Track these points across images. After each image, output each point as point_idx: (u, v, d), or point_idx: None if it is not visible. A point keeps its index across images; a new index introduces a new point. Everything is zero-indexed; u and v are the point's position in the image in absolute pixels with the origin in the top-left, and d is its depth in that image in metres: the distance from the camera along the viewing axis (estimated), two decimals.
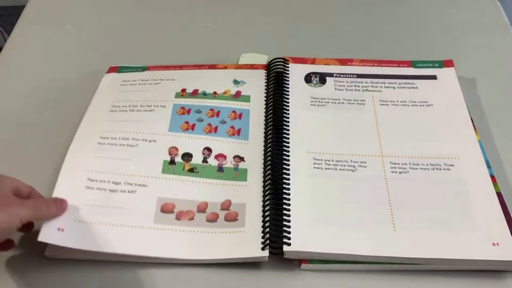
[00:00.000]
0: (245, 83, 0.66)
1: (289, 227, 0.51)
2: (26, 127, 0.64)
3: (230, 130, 0.61)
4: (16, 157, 0.61)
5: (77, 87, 0.69)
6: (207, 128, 0.61)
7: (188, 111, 0.62)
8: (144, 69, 0.69)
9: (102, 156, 0.57)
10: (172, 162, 0.57)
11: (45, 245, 0.51)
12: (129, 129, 0.59)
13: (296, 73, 0.67)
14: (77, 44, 0.76)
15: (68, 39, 0.77)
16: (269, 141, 0.59)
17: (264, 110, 0.63)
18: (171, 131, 0.60)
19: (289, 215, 0.52)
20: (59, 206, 0.50)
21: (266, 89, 0.66)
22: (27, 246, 0.52)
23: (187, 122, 0.61)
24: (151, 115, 0.61)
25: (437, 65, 0.68)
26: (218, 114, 0.62)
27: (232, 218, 0.53)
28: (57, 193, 0.52)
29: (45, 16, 0.81)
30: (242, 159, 0.58)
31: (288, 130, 0.60)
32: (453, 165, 0.57)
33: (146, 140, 0.58)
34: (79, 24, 0.79)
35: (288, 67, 0.68)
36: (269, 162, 0.57)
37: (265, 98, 0.65)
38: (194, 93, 0.64)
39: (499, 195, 0.54)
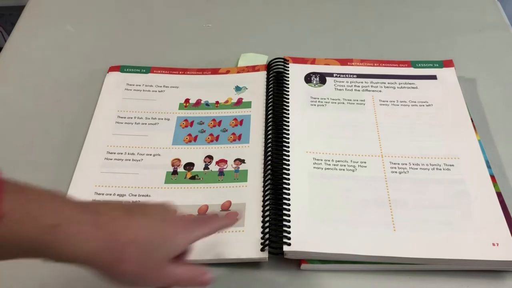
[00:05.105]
0: (246, 88, 0.66)
1: (289, 227, 0.51)
2: (26, 128, 0.64)
3: (231, 137, 0.61)
4: (17, 159, 0.60)
5: (77, 87, 0.69)
6: (208, 138, 0.61)
7: (191, 123, 0.63)
8: (148, 70, 0.69)
9: (108, 171, 0.58)
10: (174, 172, 0.58)
11: None
12: (134, 144, 0.61)
13: (296, 73, 0.67)
14: (77, 44, 0.76)
15: (68, 39, 0.77)
16: (269, 142, 0.59)
17: (264, 111, 0.63)
18: (174, 144, 0.61)
19: (289, 215, 0.52)
20: (230, 217, 0.50)
21: (266, 90, 0.66)
22: None
23: (189, 135, 0.62)
24: (155, 130, 0.62)
25: (437, 65, 0.68)
26: (220, 123, 0.63)
27: None
28: None
29: (45, 16, 0.81)
30: (242, 161, 0.58)
31: (288, 130, 0.60)
32: (453, 165, 0.57)
33: (150, 155, 0.60)
34: (79, 24, 0.79)
35: (288, 67, 0.68)
36: (269, 163, 0.57)
37: (265, 99, 0.65)
38: (197, 104, 0.65)
39: (499, 195, 0.54)
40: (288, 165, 0.56)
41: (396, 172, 0.56)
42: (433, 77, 0.67)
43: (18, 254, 0.33)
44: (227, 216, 0.48)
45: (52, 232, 0.33)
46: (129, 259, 0.36)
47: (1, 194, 0.31)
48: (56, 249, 0.34)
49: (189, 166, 0.59)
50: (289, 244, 0.50)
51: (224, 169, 0.58)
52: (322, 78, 0.67)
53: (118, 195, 0.56)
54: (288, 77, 0.66)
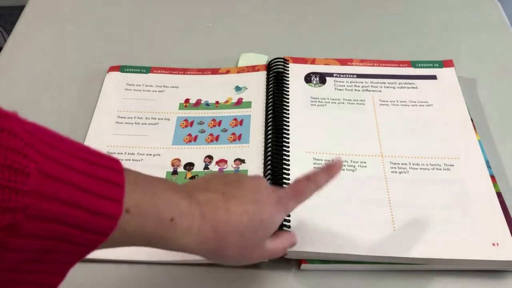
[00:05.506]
0: (246, 88, 0.66)
1: (289, 227, 0.51)
2: None
3: (231, 137, 0.61)
4: None
5: (77, 87, 0.69)
6: (208, 138, 0.61)
7: (191, 123, 0.63)
8: (148, 70, 0.69)
9: None
10: (174, 172, 0.58)
11: None
12: (134, 144, 0.61)
13: (296, 73, 0.67)
14: (78, 44, 0.76)
15: (68, 39, 0.77)
16: (269, 142, 0.59)
17: (264, 111, 0.63)
18: (174, 144, 0.61)
19: (289, 215, 0.52)
20: (328, 171, 0.44)
21: (266, 90, 0.66)
22: None
23: (189, 135, 0.62)
24: (155, 130, 0.62)
25: (437, 65, 0.68)
26: (220, 123, 0.63)
27: None
28: None
29: (45, 16, 0.81)
30: (242, 161, 0.59)
31: (288, 130, 0.60)
32: (453, 165, 0.57)
33: (150, 155, 0.60)
34: (79, 24, 0.79)
35: (288, 67, 0.68)
36: (269, 163, 0.57)
37: (265, 99, 0.65)
38: (197, 104, 0.65)
39: (499, 195, 0.54)
40: (288, 165, 0.56)
41: (396, 172, 0.56)
42: (433, 77, 0.67)
43: (132, 244, 0.34)
44: (328, 169, 0.43)
45: (168, 226, 0.34)
46: (231, 244, 0.39)
47: (123, 189, 0.31)
48: (168, 241, 0.35)
49: (189, 166, 0.59)
50: None
51: (224, 169, 0.58)
52: (322, 78, 0.67)
53: None
54: (288, 77, 0.66)
